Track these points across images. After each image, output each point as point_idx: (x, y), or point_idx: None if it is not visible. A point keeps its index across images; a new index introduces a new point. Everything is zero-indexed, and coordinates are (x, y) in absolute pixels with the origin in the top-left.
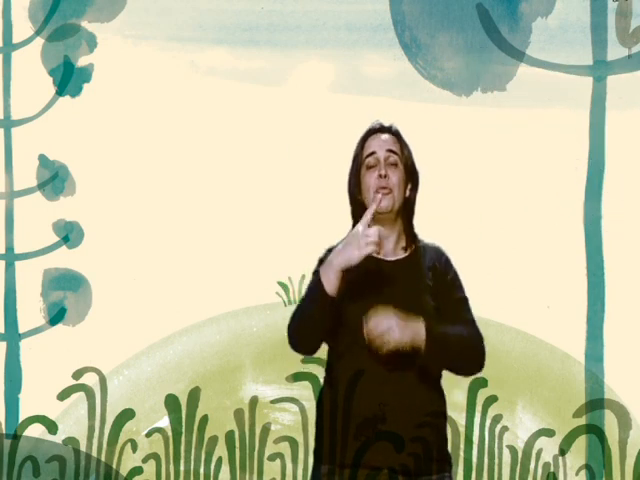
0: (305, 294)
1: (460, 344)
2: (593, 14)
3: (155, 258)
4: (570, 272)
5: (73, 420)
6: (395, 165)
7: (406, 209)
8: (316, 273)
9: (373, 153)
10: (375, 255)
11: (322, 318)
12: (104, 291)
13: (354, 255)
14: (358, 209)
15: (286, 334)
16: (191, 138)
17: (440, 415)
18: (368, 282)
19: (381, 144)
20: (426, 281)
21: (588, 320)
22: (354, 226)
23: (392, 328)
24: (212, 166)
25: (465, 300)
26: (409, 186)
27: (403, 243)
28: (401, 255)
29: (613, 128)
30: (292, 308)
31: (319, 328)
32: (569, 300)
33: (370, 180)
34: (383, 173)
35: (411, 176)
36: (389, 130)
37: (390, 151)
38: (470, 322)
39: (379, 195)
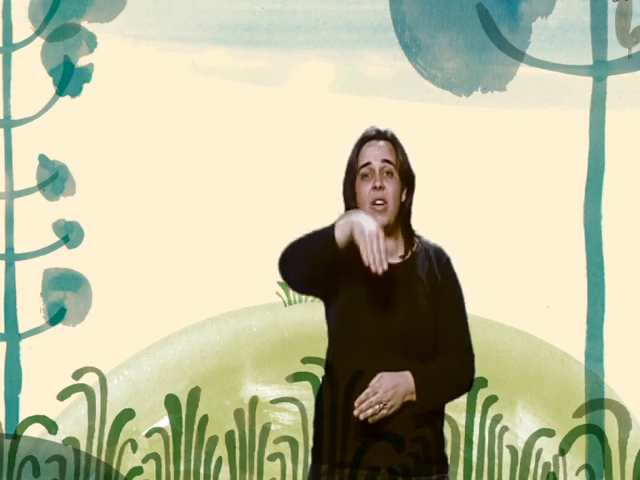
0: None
1: (447, 380)
2: (593, 14)
3: (155, 258)
4: (570, 272)
5: (73, 420)
6: (390, 174)
7: (402, 213)
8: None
9: (368, 164)
10: None
11: (323, 254)
12: (104, 291)
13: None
14: None
15: (284, 330)
16: (191, 138)
17: (438, 415)
18: (366, 284)
19: (376, 154)
20: (423, 285)
21: (588, 320)
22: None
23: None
24: (212, 166)
25: (461, 317)
26: (405, 190)
27: (401, 247)
28: (399, 259)
29: (613, 128)
30: (292, 308)
31: (318, 261)
32: (569, 300)
33: (365, 191)
34: (378, 185)
35: (407, 181)
36: (384, 136)
37: (385, 161)
38: (461, 350)
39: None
